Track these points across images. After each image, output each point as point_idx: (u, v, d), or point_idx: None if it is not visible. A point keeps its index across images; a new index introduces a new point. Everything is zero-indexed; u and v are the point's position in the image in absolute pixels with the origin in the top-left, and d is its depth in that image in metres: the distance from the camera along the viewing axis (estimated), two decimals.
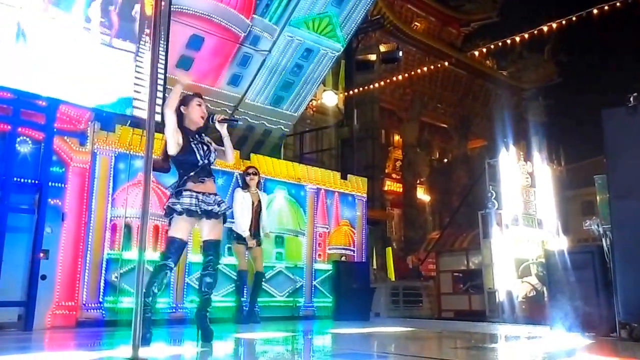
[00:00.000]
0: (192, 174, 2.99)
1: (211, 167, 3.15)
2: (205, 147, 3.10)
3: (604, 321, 3.94)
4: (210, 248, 3.09)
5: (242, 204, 4.97)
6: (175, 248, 2.97)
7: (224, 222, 3.17)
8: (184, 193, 2.96)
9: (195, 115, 3.10)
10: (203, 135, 3.17)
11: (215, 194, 3.10)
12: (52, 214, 4.26)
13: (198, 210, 2.97)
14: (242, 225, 4.92)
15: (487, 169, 7.33)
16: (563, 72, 20.66)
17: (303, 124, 11.99)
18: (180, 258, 3.12)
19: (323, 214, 6.30)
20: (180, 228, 2.97)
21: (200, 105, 3.13)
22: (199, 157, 3.02)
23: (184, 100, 3.14)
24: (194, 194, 2.98)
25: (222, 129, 3.16)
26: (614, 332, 3.86)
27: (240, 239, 4.96)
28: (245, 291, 5.05)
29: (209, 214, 3.02)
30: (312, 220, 6.17)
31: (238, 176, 5.41)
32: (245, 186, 5.10)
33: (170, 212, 3.00)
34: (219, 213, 3.06)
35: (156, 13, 1.93)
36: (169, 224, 3.04)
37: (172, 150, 2.99)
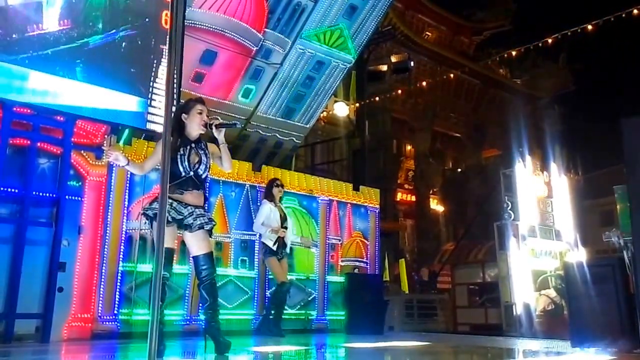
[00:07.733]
0: (173, 184, 2.87)
1: (203, 180, 3.02)
2: (197, 159, 2.98)
3: (626, 336, 3.81)
4: (201, 262, 2.98)
5: (270, 217, 4.94)
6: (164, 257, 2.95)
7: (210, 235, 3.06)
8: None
9: (195, 123, 2.99)
10: (203, 144, 3.05)
11: (196, 207, 2.97)
12: (69, 227, 4.33)
13: (168, 216, 2.84)
14: (268, 236, 4.92)
15: (502, 179, 7.22)
16: (578, 80, 20.37)
17: (314, 135, 12.02)
18: (172, 265, 3.07)
19: (335, 226, 6.28)
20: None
21: (201, 113, 3.00)
22: (181, 169, 2.93)
23: (185, 108, 3.03)
24: (169, 201, 2.86)
25: (220, 135, 3.00)
26: (637, 347, 3.73)
27: (271, 252, 4.92)
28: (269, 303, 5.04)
29: (180, 223, 2.93)
30: (325, 232, 6.15)
31: (249, 187, 5.42)
32: (271, 198, 5.07)
33: (144, 217, 2.96)
34: (193, 226, 2.93)
35: (171, 28, 1.97)
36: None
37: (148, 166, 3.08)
